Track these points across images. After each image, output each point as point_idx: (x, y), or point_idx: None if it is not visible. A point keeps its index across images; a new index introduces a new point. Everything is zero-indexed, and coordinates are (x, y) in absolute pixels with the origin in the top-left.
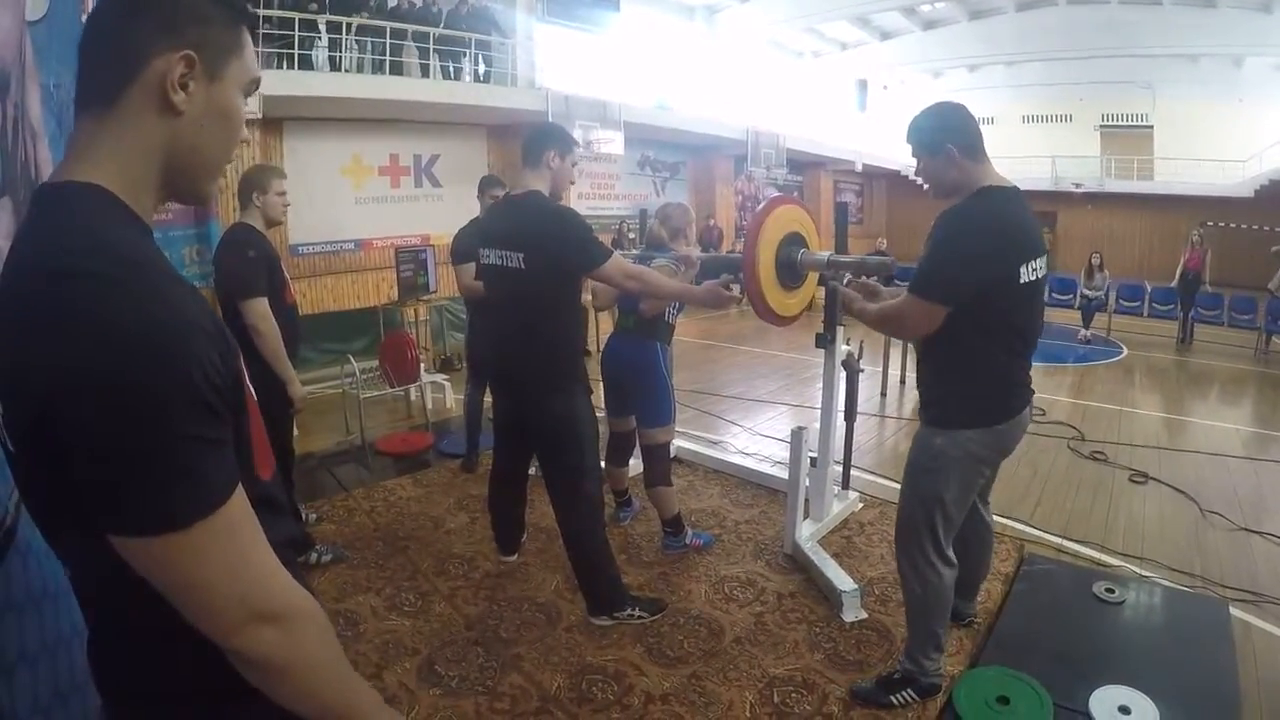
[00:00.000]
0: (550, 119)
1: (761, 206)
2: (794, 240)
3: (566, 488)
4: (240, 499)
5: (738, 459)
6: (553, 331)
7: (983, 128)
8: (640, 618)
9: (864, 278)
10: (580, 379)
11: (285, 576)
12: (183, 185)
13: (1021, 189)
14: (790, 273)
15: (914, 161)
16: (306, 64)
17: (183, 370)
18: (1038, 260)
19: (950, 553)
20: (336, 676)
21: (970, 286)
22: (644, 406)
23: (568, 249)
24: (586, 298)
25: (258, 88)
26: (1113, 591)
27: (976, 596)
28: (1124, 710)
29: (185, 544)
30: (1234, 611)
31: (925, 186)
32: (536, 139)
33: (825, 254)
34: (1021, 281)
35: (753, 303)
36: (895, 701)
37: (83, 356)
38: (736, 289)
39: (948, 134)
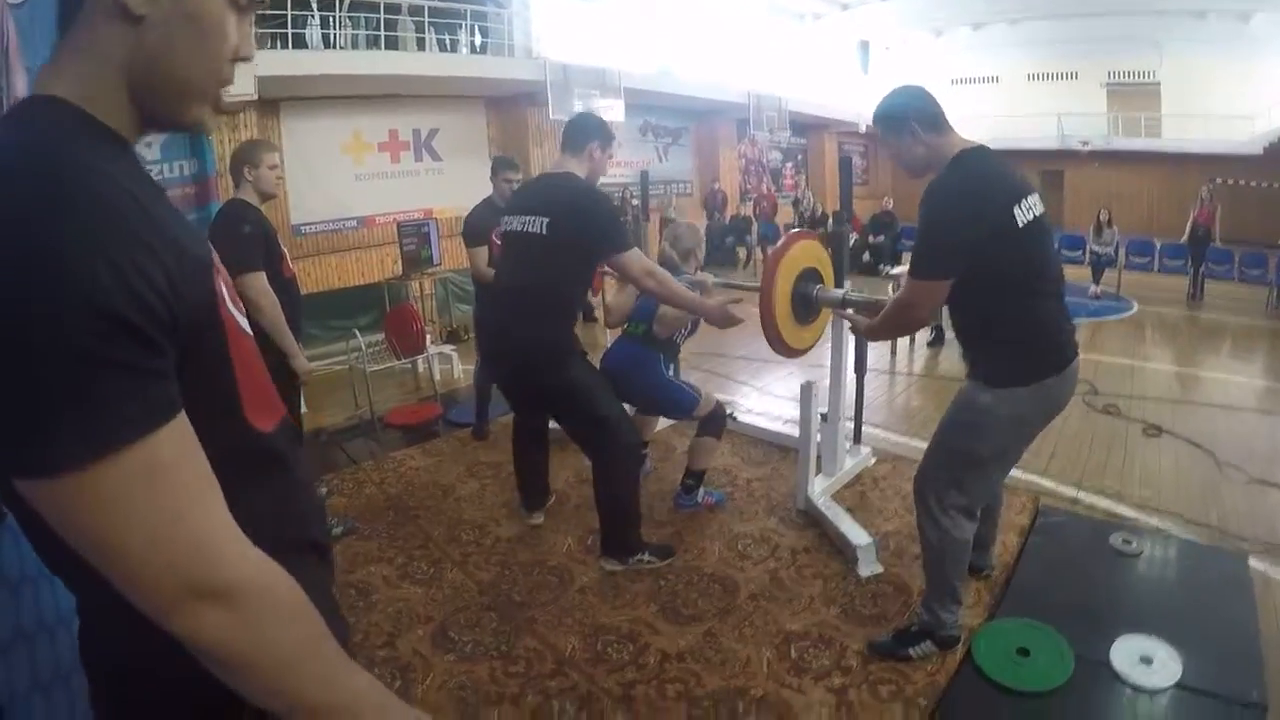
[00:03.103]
0: (549, 89)
1: (780, 242)
2: (810, 276)
3: (591, 439)
4: (176, 437)
5: (748, 418)
6: (553, 301)
7: (987, 87)
8: (650, 563)
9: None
10: (574, 349)
11: (238, 542)
12: (155, 106)
13: (1027, 148)
14: (805, 308)
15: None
16: (300, 43)
17: (86, 278)
18: (1029, 198)
19: (975, 508)
20: (317, 667)
21: (966, 251)
22: (663, 407)
23: (594, 226)
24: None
25: (259, 3)
26: (1130, 543)
27: (993, 548)
28: (1145, 660)
29: (85, 489)
30: (1253, 563)
31: (904, 169)
32: (582, 128)
33: (840, 291)
34: (1021, 225)
35: (767, 336)
36: (914, 654)
37: None
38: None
39: (907, 111)
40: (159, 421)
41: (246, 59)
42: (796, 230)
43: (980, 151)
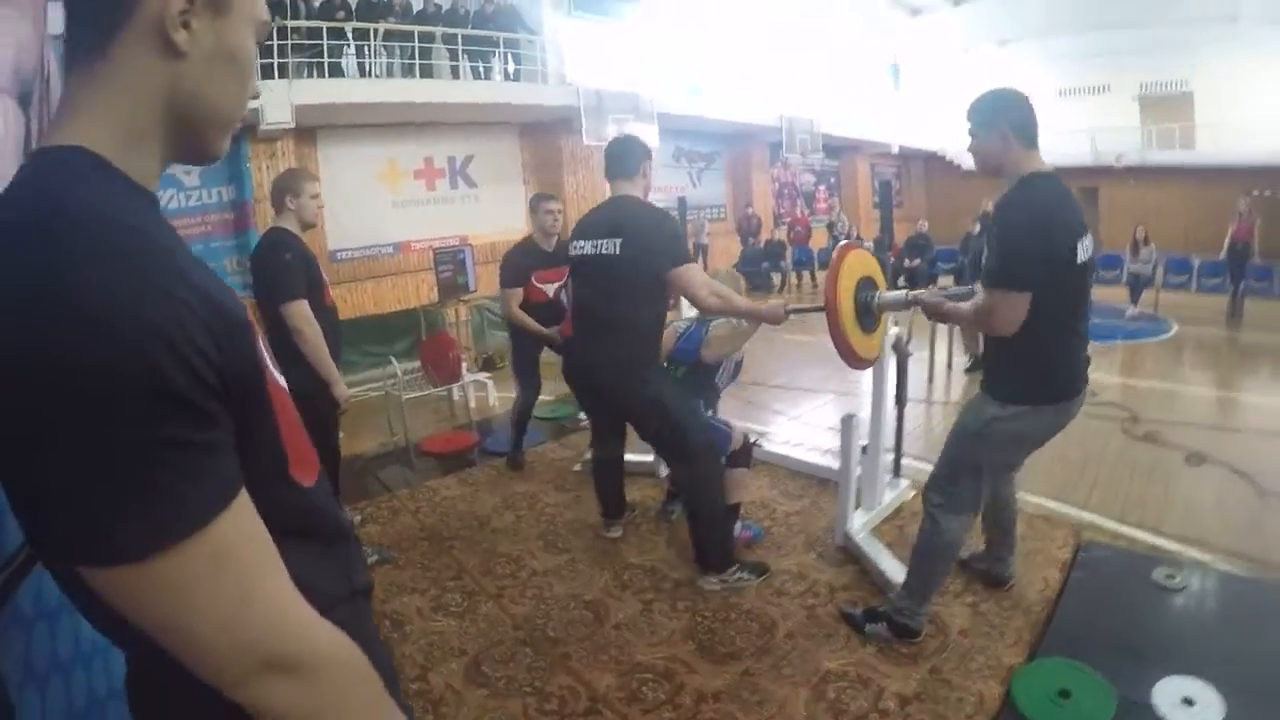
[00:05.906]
0: (582, 114)
1: (835, 254)
2: (867, 284)
3: (675, 448)
4: (239, 517)
5: (786, 450)
6: (636, 322)
7: None
8: (748, 580)
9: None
10: (652, 364)
11: (305, 613)
12: (189, 140)
13: (1062, 165)
14: (868, 316)
15: (964, 140)
16: (336, 72)
17: (140, 352)
18: (1087, 239)
19: (967, 508)
20: None
21: (1043, 269)
22: None
23: (661, 240)
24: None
25: (269, 31)
26: (1173, 578)
27: (1011, 559)
28: (1188, 702)
29: (151, 579)
30: None
31: (976, 163)
32: (631, 151)
33: (903, 292)
34: (1078, 261)
35: (839, 348)
36: (868, 631)
37: (4, 331)
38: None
39: (1004, 113)
40: (221, 506)
41: (255, 95)
42: (846, 242)
43: (1052, 180)
